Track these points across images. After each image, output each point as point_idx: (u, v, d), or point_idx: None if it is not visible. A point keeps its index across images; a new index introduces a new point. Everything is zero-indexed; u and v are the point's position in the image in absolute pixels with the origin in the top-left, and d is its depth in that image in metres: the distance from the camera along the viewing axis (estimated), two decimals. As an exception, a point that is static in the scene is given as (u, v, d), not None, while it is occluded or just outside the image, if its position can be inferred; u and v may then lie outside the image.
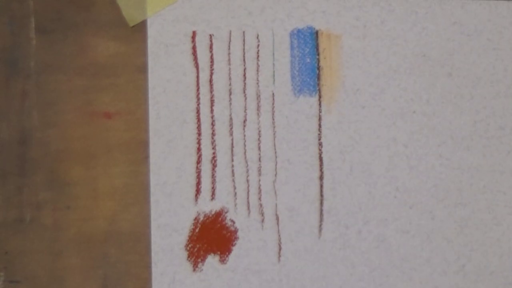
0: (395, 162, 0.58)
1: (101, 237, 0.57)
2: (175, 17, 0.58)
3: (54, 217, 0.57)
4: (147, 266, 0.57)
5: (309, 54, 0.58)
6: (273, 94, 0.58)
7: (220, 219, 0.57)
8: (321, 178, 0.58)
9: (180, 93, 0.58)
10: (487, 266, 0.58)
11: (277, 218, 0.58)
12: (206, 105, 0.58)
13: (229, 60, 0.58)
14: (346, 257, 0.58)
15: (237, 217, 0.58)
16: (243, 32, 0.58)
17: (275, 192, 0.58)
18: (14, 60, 0.58)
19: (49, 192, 0.57)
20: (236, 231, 0.58)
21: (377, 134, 0.58)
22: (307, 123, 0.58)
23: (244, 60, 0.58)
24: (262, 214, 0.58)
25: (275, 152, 0.58)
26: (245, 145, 0.58)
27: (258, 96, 0.58)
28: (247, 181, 0.58)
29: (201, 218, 0.57)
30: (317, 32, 0.59)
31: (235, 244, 0.57)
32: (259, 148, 0.58)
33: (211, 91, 0.58)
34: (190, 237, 0.57)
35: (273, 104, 0.58)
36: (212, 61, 0.58)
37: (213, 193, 0.57)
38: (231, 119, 0.58)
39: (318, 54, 0.58)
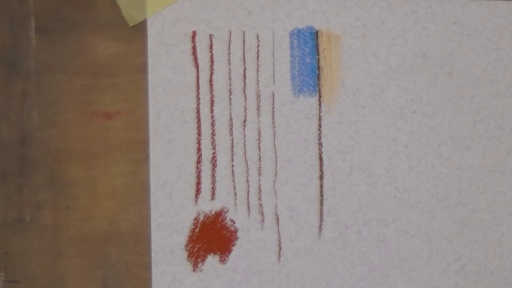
0: (395, 162, 0.58)
1: (101, 237, 0.57)
2: (175, 17, 0.58)
3: (54, 217, 0.57)
4: (147, 266, 0.57)
5: (309, 54, 0.58)
6: (273, 94, 0.58)
7: (220, 219, 0.57)
8: (321, 178, 0.58)
9: (180, 93, 0.58)
10: (487, 266, 0.58)
11: (277, 218, 0.58)
12: (206, 105, 0.58)
13: (229, 60, 0.58)
14: (346, 257, 0.58)
15: (237, 217, 0.58)
16: (243, 32, 0.58)
17: (275, 192, 0.58)
18: (14, 60, 0.58)
19: (49, 192, 0.57)
20: (236, 231, 0.58)
21: (377, 134, 0.58)
22: (307, 123, 0.58)
23: (244, 60, 0.58)
24: (262, 214, 0.58)
25: (275, 152, 0.58)
26: (245, 145, 0.58)
27: (258, 96, 0.58)
28: (247, 181, 0.58)
29: (201, 218, 0.57)
30: (317, 32, 0.59)
31: (235, 244, 0.57)
32: (259, 148, 0.58)
33: (211, 91, 0.58)
34: (190, 237, 0.57)
35: (273, 104, 0.58)
36: (212, 61, 0.58)
37: (213, 193, 0.57)
38: (231, 119, 0.58)
39: (318, 54, 0.58)
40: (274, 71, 0.58)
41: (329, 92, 0.58)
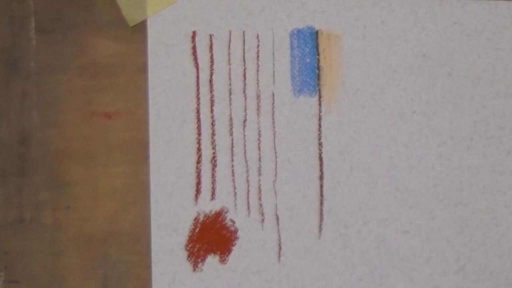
0: (395, 162, 0.58)
1: (101, 237, 0.57)
2: (175, 17, 0.58)
3: (54, 217, 0.57)
4: (147, 266, 0.57)
5: (309, 54, 0.58)
6: (273, 94, 0.58)
7: (220, 219, 0.57)
8: (321, 178, 0.58)
9: (180, 93, 0.58)
10: (487, 266, 0.58)
11: (277, 218, 0.58)
12: (206, 105, 0.58)
13: (229, 60, 0.58)
14: (346, 257, 0.58)
15: (237, 217, 0.58)
16: (243, 32, 0.58)
17: (275, 192, 0.58)
18: (14, 60, 0.58)
19: (49, 192, 0.57)
20: (236, 231, 0.58)
21: (377, 134, 0.58)
22: (307, 123, 0.58)
23: (244, 60, 0.58)
24: (262, 214, 0.58)
25: (275, 152, 0.58)
26: (245, 145, 0.58)
27: (258, 96, 0.58)
28: (247, 181, 0.58)
29: (201, 218, 0.57)
30: (317, 32, 0.59)
31: (235, 244, 0.57)
32: (259, 148, 0.58)
33: (211, 91, 0.58)
34: (190, 237, 0.57)
35: (273, 104, 0.58)
36: (212, 61, 0.58)
37: (213, 193, 0.57)
38: (231, 119, 0.58)
39: (318, 54, 0.58)
40: (274, 71, 0.58)
41: (329, 92, 0.58)
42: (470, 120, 0.59)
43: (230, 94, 0.58)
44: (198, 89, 0.58)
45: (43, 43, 0.58)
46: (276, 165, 0.58)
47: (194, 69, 0.58)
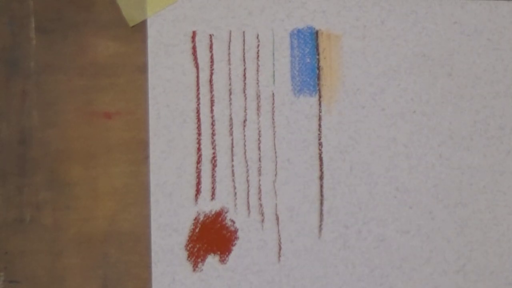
0: (395, 162, 0.58)
1: (101, 237, 0.57)
2: (175, 17, 0.58)
3: (54, 217, 0.57)
4: (147, 266, 0.57)
5: (309, 54, 0.58)
6: (273, 94, 0.58)
7: (220, 219, 0.57)
8: (321, 178, 0.58)
9: (180, 93, 0.58)
10: (487, 266, 0.58)
11: (277, 218, 0.58)
12: (206, 105, 0.58)
13: (229, 60, 0.58)
14: (346, 257, 0.58)
15: (237, 217, 0.58)
16: (243, 32, 0.58)
17: (275, 192, 0.58)
18: (14, 60, 0.58)
19: (49, 192, 0.57)
20: (236, 231, 0.58)
21: (377, 134, 0.58)
22: (307, 123, 0.58)
23: (244, 60, 0.58)
24: (262, 214, 0.58)
25: (275, 152, 0.58)
26: (245, 145, 0.58)
27: (258, 96, 0.58)
28: (247, 181, 0.58)
29: (201, 218, 0.57)
30: (317, 32, 0.59)
31: (235, 244, 0.57)
32: (259, 148, 0.58)
33: (211, 91, 0.58)
34: (190, 237, 0.57)
35: (273, 104, 0.58)
36: (212, 61, 0.58)
37: (213, 193, 0.57)
38: (231, 119, 0.58)
39: (318, 54, 0.58)
40: (274, 71, 0.58)
41: (329, 92, 0.58)
42: (470, 120, 0.59)
43: (230, 94, 0.58)
44: (198, 89, 0.58)
45: (43, 43, 0.58)
46: (276, 165, 0.58)
47: (194, 69, 0.58)
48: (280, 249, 0.58)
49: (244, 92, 0.58)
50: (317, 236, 0.58)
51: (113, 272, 0.57)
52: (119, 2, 0.58)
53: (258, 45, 0.58)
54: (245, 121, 0.58)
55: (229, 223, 0.57)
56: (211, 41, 0.58)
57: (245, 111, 0.58)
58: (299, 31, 0.59)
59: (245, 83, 0.58)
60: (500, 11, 0.59)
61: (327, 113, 0.58)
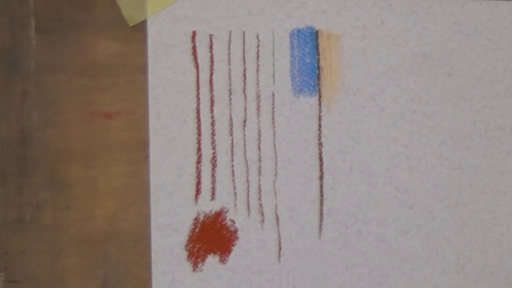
0: (395, 162, 0.58)
1: (101, 237, 0.57)
2: (175, 17, 0.58)
3: (54, 217, 0.57)
4: (147, 266, 0.57)
5: (309, 54, 0.58)
6: (273, 94, 0.58)
7: (220, 219, 0.57)
8: (321, 178, 0.58)
9: (180, 93, 0.58)
10: (487, 266, 0.58)
11: (277, 218, 0.58)
12: (206, 105, 0.58)
13: (229, 60, 0.58)
14: (346, 257, 0.58)
15: (237, 217, 0.58)
16: (243, 32, 0.58)
17: (275, 192, 0.58)
18: (14, 60, 0.58)
19: (49, 192, 0.57)
20: (236, 231, 0.58)
21: (377, 134, 0.58)
22: (307, 123, 0.58)
23: (244, 60, 0.58)
24: (262, 214, 0.58)
25: (275, 152, 0.58)
26: (245, 145, 0.58)
27: (258, 96, 0.58)
28: (247, 181, 0.58)
29: (201, 218, 0.57)
30: (317, 32, 0.59)
31: (235, 244, 0.57)
32: (259, 148, 0.58)
33: (211, 91, 0.58)
34: (190, 237, 0.57)
35: (273, 104, 0.58)
36: (212, 61, 0.58)
37: (213, 193, 0.57)
38: (231, 119, 0.58)
39: (318, 54, 0.58)
40: (274, 71, 0.58)
41: (329, 92, 0.58)
42: (470, 120, 0.59)
43: (230, 94, 0.58)
44: (198, 89, 0.58)
45: (43, 43, 0.58)
46: (276, 165, 0.58)
47: (194, 69, 0.58)
48: (280, 249, 0.58)
49: (244, 92, 0.58)
50: (317, 236, 0.58)
51: (113, 272, 0.57)
52: (119, 2, 0.58)
53: (258, 45, 0.58)
54: (245, 121, 0.58)
55: (229, 223, 0.57)
56: (211, 41, 0.58)
57: (245, 111, 0.58)
58: (299, 31, 0.59)
59: (245, 83, 0.58)
60: (500, 11, 0.59)
61: (327, 113, 0.58)
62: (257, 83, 0.58)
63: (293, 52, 0.58)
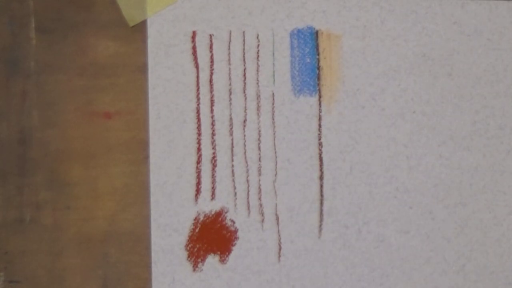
0: (395, 162, 0.58)
1: (101, 237, 0.57)
2: (175, 17, 0.58)
3: (54, 217, 0.57)
4: (147, 266, 0.57)
5: (309, 54, 0.58)
6: (273, 94, 0.58)
7: (220, 219, 0.57)
8: (321, 178, 0.58)
9: (180, 93, 0.58)
10: (487, 266, 0.58)
11: (277, 218, 0.58)
12: (206, 105, 0.58)
13: (229, 60, 0.58)
14: (346, 257, 0.58)
15: (237, 217, 0.58)
16: (243, 32, 0.58)
17: (275, 192, 0.58)
18: (14, 60, 0.58)
19: (49, 192, 0.57)
20: (236, 231, 0.58)
21: (377, 134, 0.58)
22: (307, 123, 0.58)
23: (244, 60, 0.58)
24: (262, 214, 0.58)
25: (275, 152, 0.58)
26: (245, 145, 0.58)
27: (258, 96, 0.58)
28: (247, 181, 0.58)
29: (201, 218, 0.57)
30: (317, 32, 0.59)
31: (235, 244, 0.57)
32: (259, 148, 0.58)
33: (211, 91, 0.58)
34: (190, 237, 0.57)
35: (273, 104, 0.58)
36: (212, 61, 0.58)
37: (213, 193, 0.57)
38: (231, 119, 0.58)
39: (318, 54, 0.58)
40: (274, 71, 0.58)
41: (329, 92, 0.58)
42: (470, 120, 0.59)
43: (230, 94, 0.58)
44: (198, 89, 0.58)
45: (43, 43, 0.58)
46: (276, 165, 0.58)
47: (194, 69, 0.58)
48: (280, 249, 0.58)
49: (244, 92, 0.58)
50: (317, 236, 0.58)
51: (113, 272, 0.57)
52: (119, 2, 0.58)
53: (258, 45, 0.58)
54: (245, 121, 0.58)
55: (229, 223, 0.57)
56: (211, 41, 0.58)
57: (245, 111, 0.58)
58: (299, 31, 0.59)
59: (245, 83, 0.58)
60: (500, 11, 0.59)
61: (327, 113, 0.58)
62: (257, 83, 0.58)
63: (293, 52, 0.58)
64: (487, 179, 0.59)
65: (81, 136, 0.57)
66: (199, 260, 0.57)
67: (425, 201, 0.58)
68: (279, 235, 0.58)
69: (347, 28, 0.59)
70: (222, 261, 0.57)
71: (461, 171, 0.59)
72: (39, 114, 0.57)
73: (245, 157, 0.58)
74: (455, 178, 0.58)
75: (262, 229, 0.58)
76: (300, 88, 0.58)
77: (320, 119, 0.58)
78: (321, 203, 0.58)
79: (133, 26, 0.58)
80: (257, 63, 0.58)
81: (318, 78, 0.58)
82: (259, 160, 0.58)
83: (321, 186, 0.58)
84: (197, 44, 0.58)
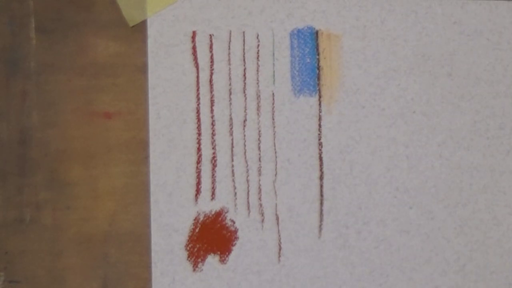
0: (395, 162, 0.58)
1: (101, 237, 0.57)
2: (175, 17, 0.58)
3: (54, 217, 0.57)
4: (147, 266, 0.57)
5: (309, 54, 0.58)
6: (273, 94, 0.58)
7: (220, 219, 0.57)
8: (321, 178, 0.58)
9: (180, 93, 0.58)
10: (487, 266, 0.58)
11: (277, 218, 0.58)
12: (206, 105, 0.58)
13: (229, 60, 0.58)
14: (346, 257, 0.58)
15: (237, 217, 0.58)
16: (243, 32, 0.58)
17: (275, 192, 0.58)
18: (14, 60, 0.58)
19: (49, 192, 0.57)
20: (236, 231, 0.58)
21: (377, 134, 0.58)
22: (307, 123, 0.58)
23: (244, 60, 0.58)
24: (262, 214, 0.58)
25: (275, 152, 0.58)
26: (245, 145, 0.58)
27: (258, 96, 0.58)
28: (247, 181, 0.58)
29: (201, 218, 0.57)
30: (317, 32, 0.59)
31: (235, 244, 0.57)
32: (259, 148, 0.58)
33: (211, 91, 0.58)
34: (190, 237, 0.57)
35: (273, 104, 0.58)
36: (212, 61, 0.58)
37: (213, 193, 0.57)
38: (231, 119, 0.58)
39: (318, 54, 0.58)
40: (274, 71, 0.58)
41: (329, 92, 0.58)
42: (470, 120, 0.59)
43: (230, 94, 0.58)
44: (198, 89, 0.58)
45: (43, 43, 0.58)
46: (276, 165, 0.58)
47: (194, 69, 0.58)
48: (280, 249, 0.58)
49: (244, 92, 0.58)
50: (317, 236, 0.58)
51: (113, 272, 0.57)
52: (119, 2, 0.58)
53: (258, 45, 0.58)
54: (245, 121, 0.58)
55: (229, 223, 0.57)
56: (211, 41, 0.58)
57: (245, 111, 0.58)
58: (299, 31, 0.59)
59: (245, 83, 0.58)
60: (500, 11, 0.59)
61: (327, 113, 0.58)
62: (257, 83, 0.58)
63: (293, 52, 0.58)
64: (487, 179, 0.59)
65: (81, 136, 0.57)
66: (199, 260, 0.57)
67: (425, 201, 0.58)
68: (279, 235, 0.58)
69: (347, 28, 0.59)
70: (222, 261, 0.57)
71: (461, 171, 0.59)
72: (39, 114, 0.57)
73: (245, 157, 0.58)
74: (455, 178, 0.58)
75: (262, 229, 0.58)
76: (300, 88, 0.58)
77: (320, 119, 0.58)
78: (321, 203, 0.58)
79: (133, 26, 0.58)
80: (257, 63, 0.58)
81: (318, 78, 0.58)
82: (259, 160, 0.58)
83: (321, 186, 0.58)
84: (197, 44, 0.58)
